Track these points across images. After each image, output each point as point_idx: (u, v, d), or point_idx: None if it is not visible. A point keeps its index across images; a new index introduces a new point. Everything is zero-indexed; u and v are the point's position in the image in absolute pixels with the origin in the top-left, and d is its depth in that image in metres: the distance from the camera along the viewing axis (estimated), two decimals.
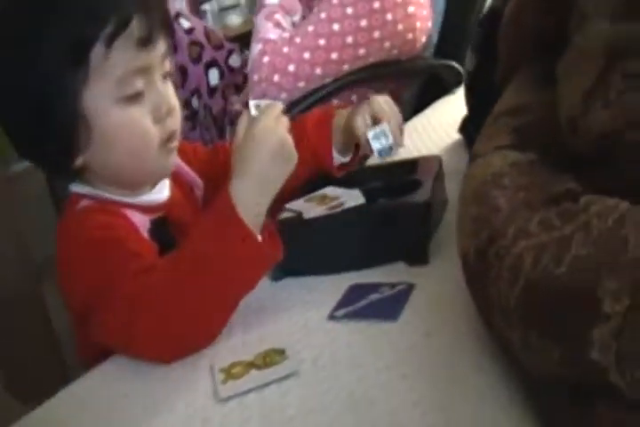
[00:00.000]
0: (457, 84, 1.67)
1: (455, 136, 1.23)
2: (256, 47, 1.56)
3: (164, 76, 0.82)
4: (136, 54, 0.76)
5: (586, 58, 0.66)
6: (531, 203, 0.59)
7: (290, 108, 1.52)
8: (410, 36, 1.57)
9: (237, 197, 0.72)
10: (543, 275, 0.50)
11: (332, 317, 0.72)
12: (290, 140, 0.76)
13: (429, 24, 1.65)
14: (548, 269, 0.50)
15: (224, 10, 2.91)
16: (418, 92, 1.74)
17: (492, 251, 0.57)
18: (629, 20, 0.65)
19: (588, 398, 0.46)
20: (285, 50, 1.52)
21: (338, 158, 0.97)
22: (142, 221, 0.84)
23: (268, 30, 1.57)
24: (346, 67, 1.54)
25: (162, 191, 0.89)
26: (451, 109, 1.44)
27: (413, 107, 1.70)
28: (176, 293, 0.70)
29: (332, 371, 0.64)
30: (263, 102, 0.80)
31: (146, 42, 0.76)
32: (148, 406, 0.66)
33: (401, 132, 0.94)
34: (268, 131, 0.75)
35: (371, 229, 0.81)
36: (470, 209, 0.65)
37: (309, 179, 0.96)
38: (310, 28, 1.52)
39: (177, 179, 0.93)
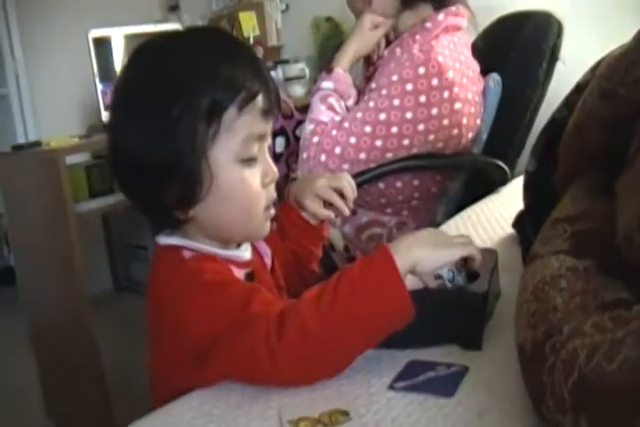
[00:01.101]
0: (502, 183, 1.75)
1: (508, 231, 1.31)
2: (308, 127, 1.67)
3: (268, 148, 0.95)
4: (258, 122, 0.89)
5: None
6: (585, 307, 0.67)
7: None
8: (455, 131, 1.65)
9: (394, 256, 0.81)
10: (595, 370, 0.58)
11: (391, 387, 0.80)
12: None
13: (478, 121, 1.72)
14: (600, 366, 0.57)
15: (289, 80, 3.06)
16: (464, 186, 1.80)
17: (549, 344, 0.65)
18: None
19: None
20: (334, 133, 1.62)
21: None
22: (238, 274, 0.93)
23: (320, 112, 1.68)
24: (389, 155, 1.63)
25: (247, 250, 0.99)
26: (501, 205, 1.52)
27: (459, 200, 1.76)
28: (324, 328, 0.79)
29: None
30: None
31: (267, 113, 0.89)
32: None
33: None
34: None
35: (431, 313, 0.87)
36: (529, 305, 0.73)
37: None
38: (359, 115, 1.62)
39: (252, 246, 1.03)
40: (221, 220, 0.91)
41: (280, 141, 1.83)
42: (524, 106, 1.82)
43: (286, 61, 3.10)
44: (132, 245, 3.31)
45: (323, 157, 1.63)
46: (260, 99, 0.88)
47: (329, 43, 3.05)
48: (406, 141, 1.61)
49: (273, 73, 3.07)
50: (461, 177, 1.77)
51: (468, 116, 1.67)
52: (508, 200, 1.54)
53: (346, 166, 1.63)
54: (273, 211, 0.97)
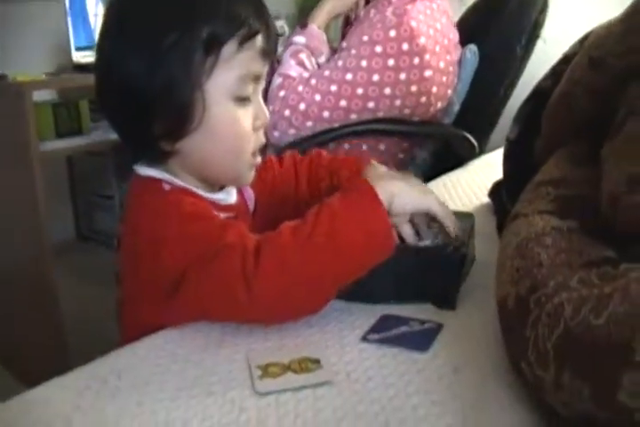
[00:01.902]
0: (470, 157, 1.74)
1: (481, 200, 1.31)
2: (276, 80, 1.64)
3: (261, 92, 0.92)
4: (256, 61, 0.87)
5: (633, 145, 0.74)
6: (571, 263, 0.66)
7: (297, 145, 1.60)
8: (424, 99, 1.63)
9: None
10: (582, 324, 0.57)
11: (364, 339, 0.78)
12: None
13: (449, 91, 1.70)
14: (586, 320, 0.56)
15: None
16: (432, 156, 1.79)
17: (534, 298, 0.64)
18: None
19: None
20: (300, 88, 1.60)
21: None
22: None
23: (290, 67, 1.66)
24: (354, 116, 1.61)
25: (232, 194, 0.96)
26: (471, 178, 1.52)
27: (427, 170, 1.75)
28: (302, 256, 0.76)
29: (365, 386, 0.69)
30: None
31: (265, 53, 0.87)
32: (184, 388, 0.71)
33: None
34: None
35: (407, 269, 0.87)
36: (513, 261, 0.72)
37: None
38: (326, 73, 1.60)
39: (238, 189, 1.00)
40: (207, 157, 0.89)
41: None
42: (498, 80, 1.80)
43: None
44: (98, 193, 3.22)
45: (287, 113, 1.61)
46: (260, 38, 0.86)
47: (310, 1, 3.01)
48: (371, 104, 1.60)
49: None
50: (430, 146, 1.76)
51: (439, 85, 1.65)
52: (484, 172, 1.53)
53: (309, 124, 1.61)
54: (259, 159, 0.94)
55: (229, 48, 0.83)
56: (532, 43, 1.84)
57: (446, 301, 0.86)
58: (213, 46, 0.82)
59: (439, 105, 1.69)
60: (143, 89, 0.82)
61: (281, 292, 0.76)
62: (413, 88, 1.60)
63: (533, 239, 0.73)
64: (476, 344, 0.77)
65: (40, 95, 2.37)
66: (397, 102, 1.61)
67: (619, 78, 0.86)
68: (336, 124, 1.62)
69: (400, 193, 0.82)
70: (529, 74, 1.80)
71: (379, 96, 1.59)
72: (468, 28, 1.81)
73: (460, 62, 1.74)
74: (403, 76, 1.58)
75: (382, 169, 1.03)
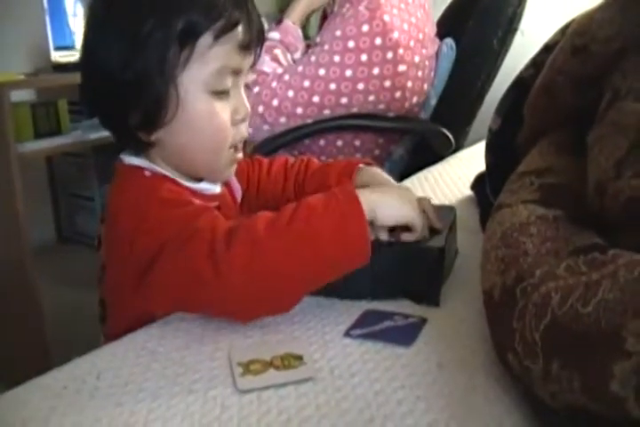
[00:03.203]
0: (446, 152, 1.72)
1: (464, 194, 1.29)
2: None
3: (246, 86, 0.90)
4: (234, 55, 0.84)
5: (618, 130, 0.73)
6: (557, 252, 0.65)
7: (271, 141, 1.58)
8: (398, 94, 1.61)
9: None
10: (570, 313, 0.55)
11: (347, 334, 0.77)
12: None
13: (425, 86, 1.68)
14: (574, 309, 0.55)
15: None
16: (409, 152, 1.77)
17: (520, 288, 0.62)
18: None
19: None
20: (274, 84, 1.58)
21: None
22: None
23: (263, 62, 1.63)
24: (327, 112, 1.59)
25: (216, 184, 0.95)
26: (452, 171, 1.51)
27: (403, 166, 1.74)
28: (276, 246, 0.74)
29: (349, 382, 0.67)
30: None
31: (245, 47, 0.85)
32: (164, 386, 0.69)
33: None
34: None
35: (385, 267, 0.84)
36: (498, 251, 0.71)
37: None
38: (300, 69, 1.59)
39: (225, 182, 0.98)
40: (184, 150, 0.87)
41: None
42: (475, 74, 1.78)
43: None
44: (78, 195, 3.18)
45: (260, 109, 1.60)
46: (239, 30, 0.83)
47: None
48: (344, 100, 1.58)
49: None
50: (406, 142, 1.74)
51: (414, 79, 1.63)
52: (465, 165, 1.52)
53: (282, 120, 1.60)
54: (240, 154, 0.93)
55: (205, 40, 0.81)
56: (509, 36, 1.83)
57: (429, 297, 0.84)
58: (188, 38, 0.80)
59: (414, 100, 1.68)
60: (119, 79, 0.81)
61: (250, 278, 0.73)
62: (387, 83, 1.59)
63: (518, 229, 0.72)
64: (461, 338, 0.76)
65: (19, 95, 2.34)
66: (371, 98, 1.59)
67: (602, 65, 0.85)
68: (309, 121, 1.61)
69: (383, 205, 0.81)
70: (508, 66, 1.79)
71: (352, 91, 1.57)
72: (446, 22, 1.80)
73: (437, 56, 1.73)
74: (376, 70, 1.56)
75: (374, 173, 1.02)
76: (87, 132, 2.37)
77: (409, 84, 1.62)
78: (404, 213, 0.83)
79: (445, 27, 1.81)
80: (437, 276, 0.86)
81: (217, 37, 0.81)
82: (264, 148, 1.60)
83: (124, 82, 0.81)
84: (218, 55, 0.83)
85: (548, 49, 1.08)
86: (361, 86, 1.57)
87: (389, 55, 1.57)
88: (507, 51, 1.85)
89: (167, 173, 0.88)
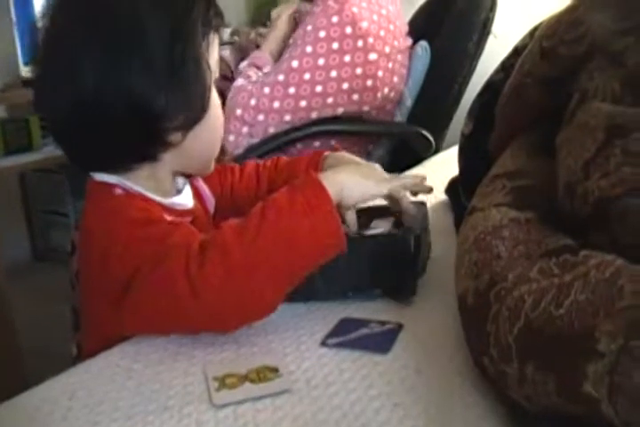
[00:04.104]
0: (426, 153, 1.73)
1: (438, 198, 1.29)
2: (231, 101, 1.63)
3: None
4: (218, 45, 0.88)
5: (586, 132, 0.73)
6: (530, 255, 0.64)
7: (251, 151, 1.58)
8: (370, 82, 1.62)
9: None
10: (543, 315, 0.55)
11: (324, 344, 0.76)
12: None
13: (395, 79, 1.70)
14: (547, 311, 0.55)
15: (222, 45, 2.98)
16: (389, 154, 1.78)
17: (493, 292, 0.62)
18: (627, 103, 0.72)
19: None
20: (249, 87, 1.60)
21: None
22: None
23: (238, 82, 1.66)
24: (303, 103, 1.60)
25: (189, 198, 0.94)
26: (432, 173, 1.50)
27: (384, 167, 1.75)
28: (249, 256, 0.72)
29: (325, 392, 0.66)
30: None
31: (221, 43, 0.89)
32: (139, 404, 0.68)
33: None
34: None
35: (358, 260, 0.83)
36: (471, 255, 0.70)
37: None
38: (275, 67, 1.59)
39: (196, 193, 0.97)
40: (207, 143, 0.90)
41: None
42: (451, 77, 1.80)
43: None
44: (52, 211, 3.12)
45: (238, 112, 1.60)
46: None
47: (262, 9, 3.00)
48: (319, 88, 1.59)
49: None
50: (385, 143, 1.75)
51: (384, 69, 1.65)
52: (440, 169, 1.52)
53: (261, 117, 1.60)
54: None
55: (211, 38, 0.85)
56: (483, 39, 1.84)
57: (403, 290, 0.84)
58: (209, 29, 0.84)
59: (386, 91, 1.68)
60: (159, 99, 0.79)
61: (227, 292, 0.72)
62: (358, 70, 1.60)
63: (491, 232, 0.71)
64: (437, 343, 0.75)
65: None
66: (345, 86, 1.61)
67: (570, 67, 0.85)
68: (287, 116, 1.61)
69: (348, 184, 0.80)
70: (481, 70, 1.79)
71: (325, 79, 1.59)
72: (420, 26, 1.81)
73: (411, 58, 1.74)
74: (347, 58, 1.59)
75: (339, 156, 1.03)
76: (59, 148, 2.35)
77: (379, 73, 1.64)
78: (371, 191, 0.83)
79: (417, 29, 1.82)
80: (412, 268, 0.85)
81: (215, 32, 0.86)
82: (244, 158, 1.59)
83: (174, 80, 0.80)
84: (215, 47, 0.86)
85: (517, 52, 1.09)
86: (334, 74, 1.59)
87: (360, 43, 1.59)
88: (481, 54, 1.86)
89: (139, 190, 0.86)
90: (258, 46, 1.87)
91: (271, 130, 1.60)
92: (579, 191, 0.68)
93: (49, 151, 2.34)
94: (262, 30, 1.99)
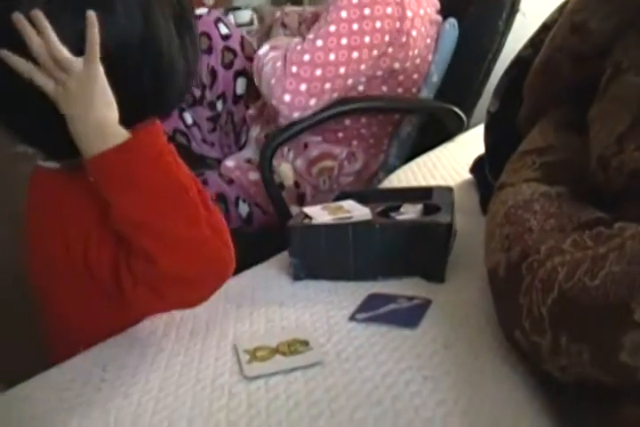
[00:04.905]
0: (457, 131, 1.72)
1: (464, 176, 1.29)
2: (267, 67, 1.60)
3: None
4: None
5: (620, 105, 0.72)
6: (562, 227, 0.64)
7: (293, 126, 1.56)
8: (404, 39, 1.60)
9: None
10: (577, 287, 0.54)
11: (353, 318, 0.76)
12: None
13: (425, 44, 1.68)
14: (581, 282, 0.54)
15: (240, 26, 2.99)
16: (418, 130, 1.76)
17: (525, 264, 0.61)
18: None
19: (614, 399, 0.51)
20: (298, 47, 1.55)
21: None
22: None
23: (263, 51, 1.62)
24: (363, 67, 1.57)
25: None
26: (457, 153, 1.50)
27: (412, 144, 1.74)
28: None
29: (356, 365, 0.67)
30: None
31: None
32: (171, 377, 0.68)
33: None
34: None
35: (392, 245, 0.85)
36: (502, 228, 0.70)
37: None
38: (332, 29, 1.55)
39: None
40: None
41: (241, 82, 1.75)
42: (481, 55, 1.78)
43: (237, 8, 3.02)
44: None
45: (294, 69, 1.53)
46: None
47: None
48: (367, 39, 1.55)
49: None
50: (414, 121, 1.74)
51: (417, 30, 1.62)
52: (465, 148, 1.51)
53: (318, 72, 1.54)
54: None
55: None
56: (512, 17, 1.82)
57: (435, 272, 0.84)
58: None
59: (416, 53, 1.65)
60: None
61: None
62: (397, 24, 1.57)
63: (522, 206, 0.71)
64: (466, 318, 0.75)
65: None
66: (386, 38, 1.57)
67: (601, 41, 0.84)
68: (342, 69, 1.55)
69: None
70: (508, 48, 1.78)
71: (372, 30, 1.54)
72: (448, 5, 1.79)
73: (438, 34, 1.72)
74: (389, 10, 1.55)
75: None
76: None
77: (413, 32, 1.61)
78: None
79: (445, 8, 1.80)
80: (443, 251, 0.86)
81: None
82: (284, 134, 1.57)
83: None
84: None
85: (546, 28, 1.08)
86: (378, 25, 1.55)
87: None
88: (509, 32, 1.84)
89: None
90: (284, 25, 1.84)
91: (327, 86, 1.56)
92: (613, 164, 0.68)
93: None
94: (288, 8, 1.95)
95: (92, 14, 0.68)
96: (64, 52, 0.68)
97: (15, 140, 0.78)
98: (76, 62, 0.69)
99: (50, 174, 0.84)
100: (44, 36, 0.68)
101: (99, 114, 0.70)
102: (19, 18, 0.67)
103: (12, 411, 0.67)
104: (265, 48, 1.67)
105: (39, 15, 0.67)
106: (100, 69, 0.70)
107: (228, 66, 1.72)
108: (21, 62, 0.68)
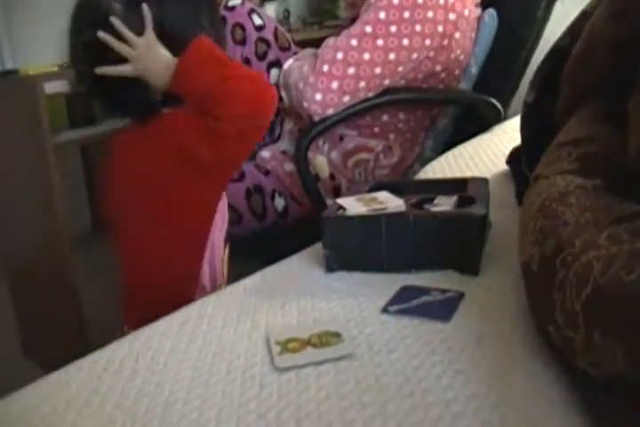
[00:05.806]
0: (495, 122, 1.70)
1: (500, 168, 1.27)
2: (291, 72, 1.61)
3: None
4: None
5: None
6: (598, 221, 0.63)
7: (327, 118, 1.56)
8: (446, 42, 1.59)
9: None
10: (612, 281, 0.53)
11: (385, 310, 0.76)
12: None
13: (467, 43, 1.67)
14: (617, 277, 0.53)
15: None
16: (454, 121, 1.76)
17: (560, 258, 0.60)
18: None
19: None
20: (340, 56, 1.55)
21: None
22: None
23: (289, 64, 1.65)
24: (400, 68, 1.57)
25: None
26: (493, 144, 1.48)
27: (448, 136, 1.73)
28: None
29: (387, 358, 0.67)
30: None
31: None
32: (202, 367, 0.69)
33: None
34: None
35: (426, 237, 0.84)
36: (536, 222, 0.69)
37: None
38: (368, 29, 1.55)
39: None
40: None
41: (274, 73, 1.75)
42: (519, 44, 1.76)
43: None
44: None
45: (325, 68, 1.54)
46: None
47: None
48: (406, 41, 1.55)
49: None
50: (451, 112, 1.72)
51: (461, 31, 1.62)
52: (502, 139, 1.49)
53: (351, 70, 1.54)
54: None
55: None
56: (550, 5, 1.80)
57: (470, 265, 0.84)
58: None
59: (459, 53, 1.65)
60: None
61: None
62: (440, 28, 1.57)
63: (557, 199, 0.70)
64: (499, 312, 0.74)
65: (53, 86, 2.34)
66: (427, 42, 1.57)
67: None
68: (378, 69, 1.56)
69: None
70: (546, 37, 1.76)
71: (411, 33, 1.55)
72: None
73: (478, 25, 1.71)
74: (430, 14, 1.55)
75: None
76: (121, 121, 2.38)
77: (457, 34, 1.61)
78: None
79: None
80: (478, 244, 0.85)
81: None
82: (319, 126, 1.58)
83: None
84: None
85: (585, 15, 1.05)
86: (418, 28, 1.55)
87: (441, 1, 1.56)
88: (548, 20, 1.82)
89: None
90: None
91: (362, 84, 1.56)
92: None
93: (112, 124, 2.37)
94: None
95: (145, 7, 1.02)
96: (131, 35, 1.03)
97: (111, 111, 1.18)
98: (138, 40, 1.03)
99: (130, 134, 1.19)
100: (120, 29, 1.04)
101: (161, 65, 1.03)
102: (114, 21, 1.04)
103: (48, 397, 0.68)
104: (289, 62, 1.68)
105: (116, 21, 1.03)
106: (155, 42, 1.04)
107: (261, 57, 1.73)
108: (112, 40, 1.03)
